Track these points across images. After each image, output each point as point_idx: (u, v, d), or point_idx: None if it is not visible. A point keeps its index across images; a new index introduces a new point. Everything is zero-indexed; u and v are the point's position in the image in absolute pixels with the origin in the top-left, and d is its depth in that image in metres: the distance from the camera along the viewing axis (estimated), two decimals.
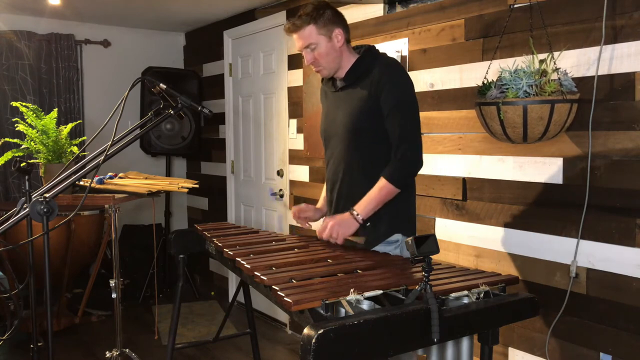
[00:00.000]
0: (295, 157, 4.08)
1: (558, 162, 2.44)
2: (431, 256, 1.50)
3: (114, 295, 3.11)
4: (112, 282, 3.11)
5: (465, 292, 1.61)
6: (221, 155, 5.04)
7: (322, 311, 1.46)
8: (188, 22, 5.07)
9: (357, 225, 2.14)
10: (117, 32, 5.16)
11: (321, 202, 2.49)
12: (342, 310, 1.52)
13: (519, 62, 2.43)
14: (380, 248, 2.18)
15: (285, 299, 1.50)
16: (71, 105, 4.82)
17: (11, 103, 4.13)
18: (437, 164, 2.96)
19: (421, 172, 2.25)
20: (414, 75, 2.93)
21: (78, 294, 4.56)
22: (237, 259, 1.95)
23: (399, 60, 3.07)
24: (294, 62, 4.02)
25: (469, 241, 2.83)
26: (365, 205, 2.13)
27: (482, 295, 1.62)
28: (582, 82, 2.32)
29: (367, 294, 1.52)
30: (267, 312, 4.44)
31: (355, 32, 2.35)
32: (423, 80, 3.00)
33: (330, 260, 1.95)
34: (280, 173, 4.25)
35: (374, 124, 2.16)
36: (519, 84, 2.25)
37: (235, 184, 4.91)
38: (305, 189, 3.98)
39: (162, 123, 4.62)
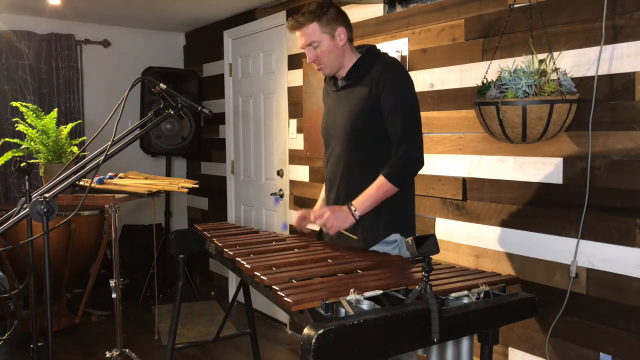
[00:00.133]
0: (295, 157, 4.08)
1: (558, 162, 2.44)
2: (431, 256, 1.50)
3: (114, 295, 3.11)
4: (112, 282, 3.11)
5: (465, 292, 1.61)
6: (221, 155, 5.04)
7: (322, 311, 1.46)
8: (188, 22, 5.07)
9: (352, 220, 2.14)
10: (117, 32, 5.16)
11: (318, 205, 2.48)
12: (342, 310, 1.52)
13: (519, 62, 2.43)
14: (379, 248, 2.18)
15: (285, 299, 1.50)
16: (71, 105, 4.82)
17: (11, 103, 4.13)
18: (437, 164, 2.96)
19: (421, 172, 2.24)
20: (414, 75, 2.92)
21: (78, 294, 4.56)
22: (237, 259, 1.95)
23: (399, 60, 3.07)
24: (294, 62, 4.02)
25: (468, 241, 2.83)
26: (363, 202, 2.13)
27: (482, 295, 1.62)
28: (582, 82, 2.32)
29: (367, 294, 1.52)
30: (267, 312, 4.44)
31: (355, 32, 2.35)
32: (423, 80, 3.00)
33: (330, 260, 1.95)
34: (280, 173, 4.25)
35: (374, 124, 2.16)
36: (519, 84, 2.25)
37: (235, 184, 4.91)
38: (305, 189, 3.98)
39: (162, 123, 4.62)
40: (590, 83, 2.29)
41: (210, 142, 5.23)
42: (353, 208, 2.14)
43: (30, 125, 3.71)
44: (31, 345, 2.39)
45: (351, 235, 2.17)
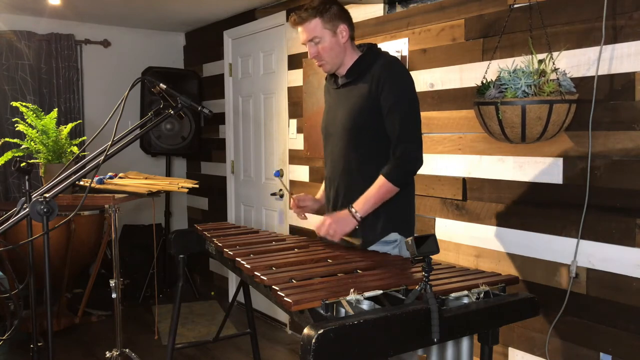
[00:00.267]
0: (295, 157, 4.08)
1: (558, 162, 2.44)
2: (431, 256, 1.50)
3: (114, 295, 3.11)
4: (112, 282, 3.11)
5: (465, 292, 1.61)
6: (221, 155, 5.04)
7: (322, 311, 1.46)
8: (188, 22, 5.07)
9: (355, 223, 2.13)
10: (117, 32, 5.16)
11: (320, 193, 2.49)
12: (342, 310, 1.52)
13: (519, 62, 2.43)
14: (378, 248, 2.18)
15: (285, 299, 1.50)
16: (71, 105, 4.82)
17: (11, 103, 4.13)
18: (437, 164, 2.96)
19: (421, 172, 2.24)
20: (414, 75, 2.91)
21: (78, 294, 4.56)
22: (237, 259, 1.95)
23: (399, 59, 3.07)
24: (294, 62, 4.02)
25: (469, 241, 2.83)
26: (363, 203, 2.12)
27: (482, 295, 1.62)
28: (582, 82, 2.32)
29: (367, 294, 1.52)
30: (267, 312, 4.44)
31: (355, 32, 2.35)
32: (423, 80, 3.00)
33: (330, 260, 1.95)
34: (280, 173, 4.25)
35: (374, 122, 2.16)
36: (518, 84, 2.25)
37: (235, 184, 4.91)
38: (305, 189, 3.98)
39: (162, 123, 4.62)
40: (590, 83, 2.29)
41: (210, 142, 5.23)
42: (354, 210, 2.12)
43: (30, 125, 3.71)
44: (31, 345, 2.39)
45: (353, 242, 2.17)
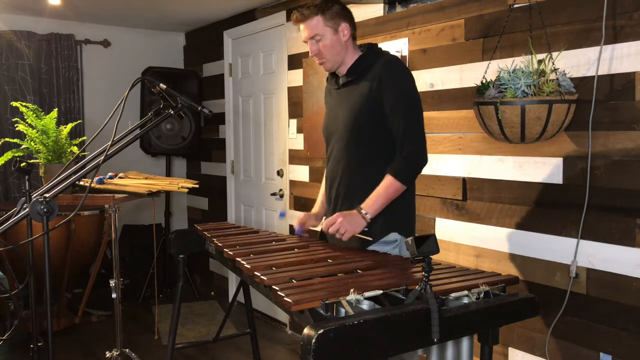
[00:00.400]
0: (295, 157, 4.08)
1: (558, 162, 2.44)
2: (431, 256, 1.50)
3: (114, 295, 3.11)
4: (112, 282, 3.11)
5: (465, 292, 1.61)
6: (221, 155, 5.04)
7: (322, 311, 1.46)
8: (188, 22, 5.07)
9: (364, 224, 2.11)
10: (117, 32, 5.16)
11: (317, 206, 2.48)
12: (342, 310, 1.52)
13: (518, 62, 2.43)
14: (378, 248, 2.18)
15: (285, 299, 1.50)
16: (71, 105, 4.82)
17: (11, 103, 4.13)
18: (437, 164, 2.96)
19: (421, 172, 2.24)
20: (414, 75, 2.92)
21: (78, 294, 4.56)
22: (237, 259, 1.95)
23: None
24: (294, 62, 4.02)
25: (469, 241, 2.83)
26: (372, 203, 2.11)
27: (482, 295, 1.62)
28: (582, 82, 2.32)
29: (367, 294, 1.52)
30: (267, 312, 4.44)
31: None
32: (423, 80, 3.00)
33: (330, 260, 1.95)
34: (280, 173, 4.25)
35: (375, 122, 2.16)
36: (517, 84, 2.25)
37: (235, 184, 4.91)
38: (305, 189, 3.98)
39: (162, 123, 4.62)
40: (590, 83, 2.29)
41: (210, 142, 5.23)
42: (363, 211, 2.11)
43: (30, 125, 3.71)
44: (31, 345, 2.39)
45: (365, 237, 2.14)
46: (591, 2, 2.28)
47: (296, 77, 3.99)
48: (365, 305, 1.55)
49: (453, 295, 1.60)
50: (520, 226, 2.60)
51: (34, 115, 3.70)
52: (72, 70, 4.82)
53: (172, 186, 3.44)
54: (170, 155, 5.29)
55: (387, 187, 2.11)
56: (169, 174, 5.32)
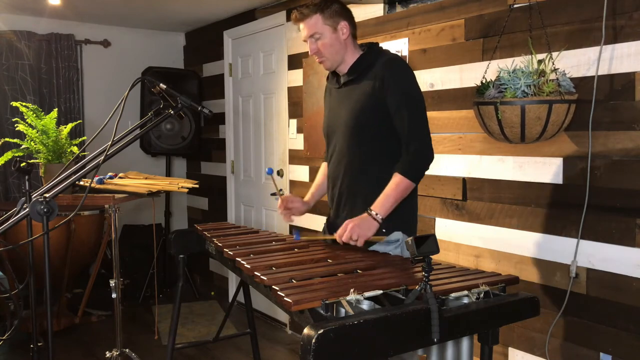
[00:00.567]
0: (295, 157, 4.08)
1: (558, 162, 2.44)
2: (431, 256, 1.50)
3: (114, 295, 3.11)
4: (112, 282, 3.11)
5: (465, 292, 1.61)
6: (221, 155, 5.04)
7: (322, 311, 1.46)
8: (188, 22, 5.07)
9: (377, 225, 2.08)
10: (117, 32, 5.16)
11: (309, 195, 2.49)
12: (342, 310, 1.52)
13: (518, 62, 2.43)
14: (380, 248, 2.18)
15: (285, 299, 1.50)
16: (71, 105, 4.82)
17: (11, 103, 4.13)
18: (437, 164, 2.95)
19: (428, 168, 2.24)
20: None
21: (78, 294, 4.56)
22: (237, 259, 1.95)
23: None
24: (294, 62, 4.02)
25: (469, 241, 2.83)
26: (382, 204, 2.09)
27: (482, 295, 1.62)
28: (582, 82, 2.32)
29: (367, 294, 1.52)
30: (267, 312, 4.44)
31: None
32: (423, 80, 3.00)
33: (330, 260, 1.95)
34: (280, 173, 4.25)
35: (377, 120, 2.16)
36: (517, 84, 2.25)
37: (235, 184, 4.91)
38: (305, 189, 3.97)
39: (162, 123, 4.62)
40: (590, 83, 2.29)
41: (210, 142, 5.23)
42: (374, 212, 2.08)
43: (30, 125, 3.71)
44: (31, 345, 2.39)
45: (379, 238, 2.12)
46: (591, 2, 2.28)
47: (296, 77, 3.99)
48: (365, 305, 1.55)
49: (453, 295, 1.60)
50: (520, 226, 2.60)
51: (34, 115, 3.70)
52: (72, 70, 4.82)
53: (172, 186, 3.44)
54: (170, 155, 5.29)
55: (396, 186, 2.11)
56: (169, 174, 5.32)
